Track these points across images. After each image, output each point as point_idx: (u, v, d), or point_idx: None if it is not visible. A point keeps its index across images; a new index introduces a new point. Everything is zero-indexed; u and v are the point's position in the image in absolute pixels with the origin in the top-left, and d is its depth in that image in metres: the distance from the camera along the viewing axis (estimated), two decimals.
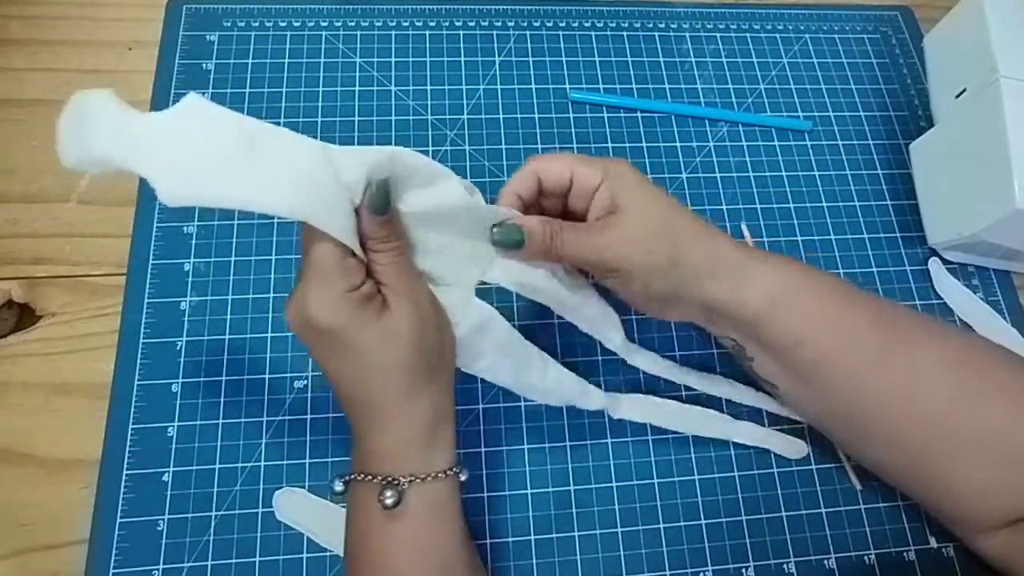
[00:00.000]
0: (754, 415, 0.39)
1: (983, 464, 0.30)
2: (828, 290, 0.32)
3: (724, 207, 0.44)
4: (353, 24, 0.48)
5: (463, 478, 0.30)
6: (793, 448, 0.38)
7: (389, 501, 0.27)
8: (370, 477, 0.28)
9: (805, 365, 0.32)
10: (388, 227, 0.28)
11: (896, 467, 0.33)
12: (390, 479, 0.28)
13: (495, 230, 0.30)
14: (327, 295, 0.26)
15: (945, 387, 0.30)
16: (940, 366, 0.31)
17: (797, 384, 0.33)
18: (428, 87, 0.46)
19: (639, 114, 0.47)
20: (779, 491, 0.38)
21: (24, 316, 0.38)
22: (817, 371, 0.32)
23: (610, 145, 0.46)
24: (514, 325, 0.32)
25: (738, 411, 0.39)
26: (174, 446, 0.36)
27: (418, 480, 0.28)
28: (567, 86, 0.47)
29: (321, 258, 0.26)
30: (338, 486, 0.29)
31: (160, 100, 0.44)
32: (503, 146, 0.45)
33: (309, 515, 0.35)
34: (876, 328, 0.32)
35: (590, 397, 0.35)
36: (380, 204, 0.27)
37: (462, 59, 0.48)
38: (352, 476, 0.29)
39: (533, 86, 0.47)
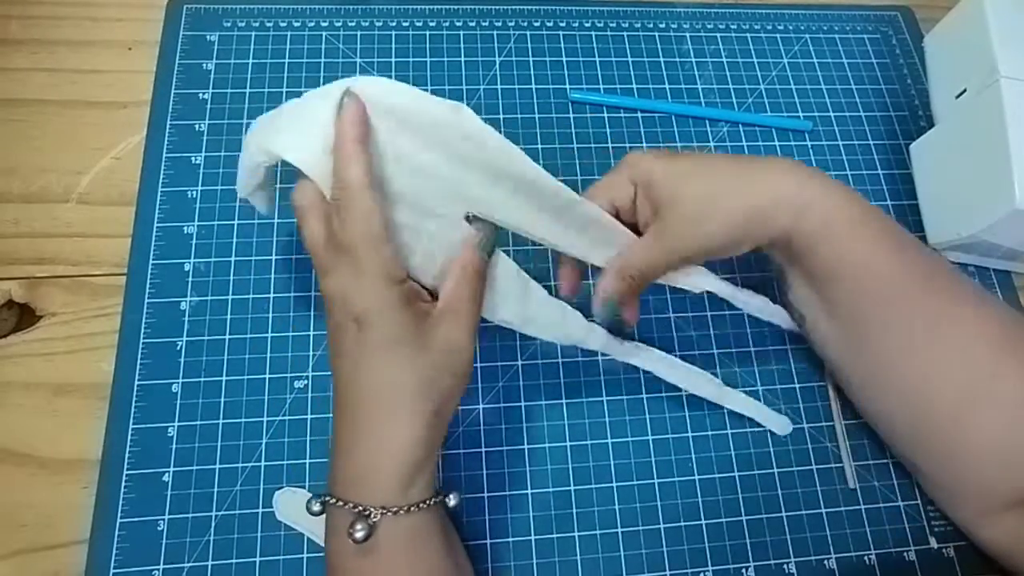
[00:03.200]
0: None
1: (997, 435, 0.30)
2: (881, 231, 0.32)
3: None
4: (353, 24, 0.48)
5: (452, 503, 0.29)
6: (779, 423, 0.38)
7: (359, 535, 0.26)
8: (343, 503, 0.27)
9: (842, 302, 0.32)
10: (482, 261, 0.30)
11: (904, 423, 0.33)
12: (361, 509, 0.26)
13: (599, 313, 0.34)
14: (375, 282, 0.27)
15: (977, 361, 0.31)
16: (978, 340, 0.31)
17: (828, 318, 0.34)
18: (428, 87, 0.46)
19: (639, 114, 0.47)
20: (779, 491, 0.38)
21: (24, 316, 0.38)
22: (853, 310, 0.32)
23: (610, 145, 0.46)
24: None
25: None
26: (174, 446, 0.36)
27: (390, 513, 0.26)
28: (567, 86, 0.47)
29: (364, 247, 0.27)
30: (315, 506, 0.28)
31: (160, 100, 0.44)
32: None
33: (309, 515, 0.35)
34: (920, 283, 0.32)
35: (594, 335, 0.35)
36: (487, 247, 0.31)
37: (462, 59, 0.48)
38: (327, 498, 0.27)
39: (533, 86, 0.47)
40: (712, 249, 0.32)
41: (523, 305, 0.33)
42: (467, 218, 0.31)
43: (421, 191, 0.30)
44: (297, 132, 0.29)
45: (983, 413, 0.30)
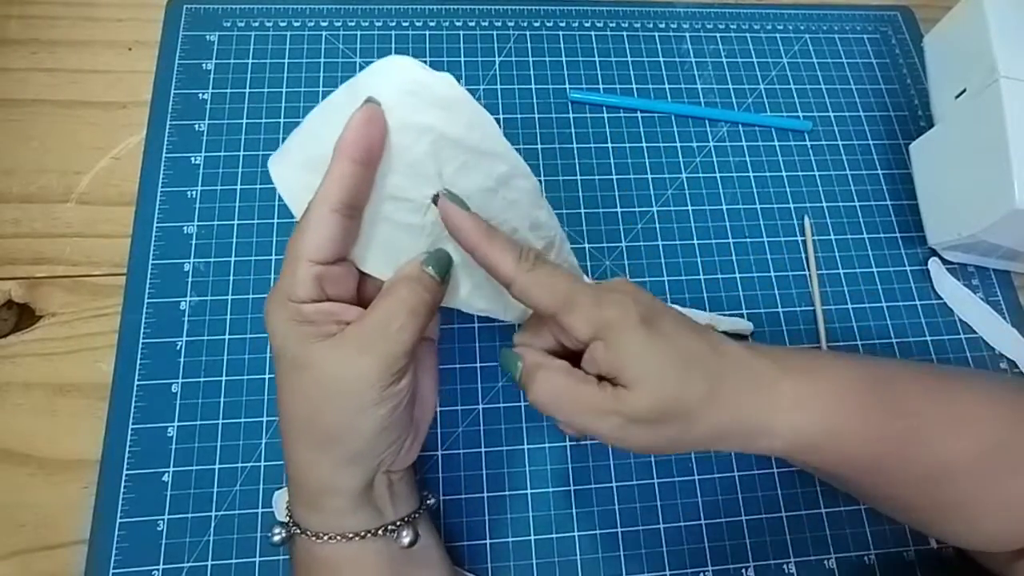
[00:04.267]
0: None
1: (1010, 523, 0.29)
2: (862, 423, 0.28)
3: (724, 207, 0.44)
4: (353, 24, 0.48)
5: (403, 542, 0.27)
6: (740, 326, 0.40)
7: (276, 539, 0.27)
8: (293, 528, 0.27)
9: (833, 477, 0.31)
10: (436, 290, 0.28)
11: (922, 526, 0.32)
12: (289, 521, 0.28)
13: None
14: (280, 303, 0.26)
15: (970, 469, 0.29)
16: (964, 449, 0.29)
17: (840, 485, 0.33)
18: None
19: (639, 114, 0.47)
20: (779, 491, 0.38)
21: (24, 316, 0.38)
22: (846, 481, 0.31)
23: (610, 145, 0.46)
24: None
25: None
26: (174, 446, 0.36)
27: (306, 535, 0.27)
28: (567, 86, 0.47)
29: (289, 264, 0.26)
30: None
31: (160, 100, 0.44)
32: None
33: None
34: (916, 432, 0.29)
35: None
36: (438, 269, 0.28)
37: (462, 59, 0.48)
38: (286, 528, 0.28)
39: (533, 86, 0.47)
40: (653, 447, 0.28)
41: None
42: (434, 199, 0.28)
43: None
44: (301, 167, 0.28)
45: (1007, 476, 0.29)
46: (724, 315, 0.41)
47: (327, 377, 0.25)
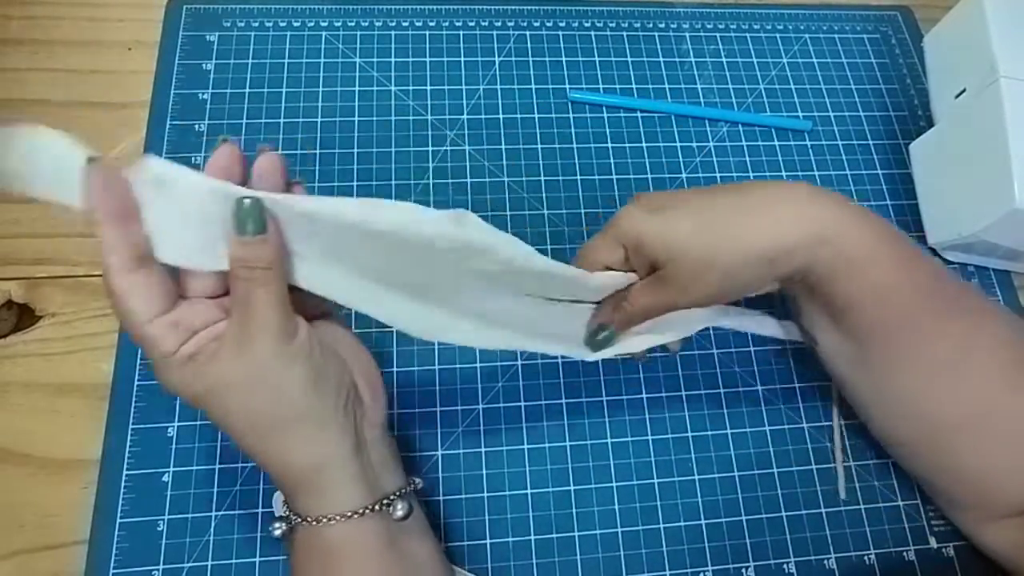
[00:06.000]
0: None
1: (1007, 446, 0.30)
2: (899, 255, 0.30)
3: None
4: (353, 24, 0.48)
5: (398, 514, 0.27)
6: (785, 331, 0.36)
7: (277, 533, 0.27)
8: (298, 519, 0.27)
9: (861, 329, 0.31)
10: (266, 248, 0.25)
11: (915, 440, 0.33)
12: (288, 513, 0.28)
13: (595, 339, 0.32)
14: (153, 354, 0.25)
15: (994, 381, 0.30)
16: (998, 363, 0.31)
17: (843, 342, 0.32)
18: (428, 87, 0.46)
19: (639, 114, 0.47)
20: (779, 491, 0.38)
21: (24, 316, 0.38)
22: (873, 337, 0.31)
23: (610, 145, 0.46)
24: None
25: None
26: (174, 446, 0.36)
27: (303, 523, 0.27)
28: (567, 86, 0.47)
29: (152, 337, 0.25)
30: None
31: (160, 100, 0.44)
32: (503, 146, 0.45)
33: None
34: (942, 308, 0.31)
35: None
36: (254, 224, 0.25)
37: (462, 59, 0.48)
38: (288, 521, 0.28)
39: (533, 86, 0.47)
40: (718, 298, 0.31)
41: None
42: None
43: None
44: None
45: (997, 426, 0.30)
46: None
47: (237, 377, 0.25)
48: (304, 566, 0.27)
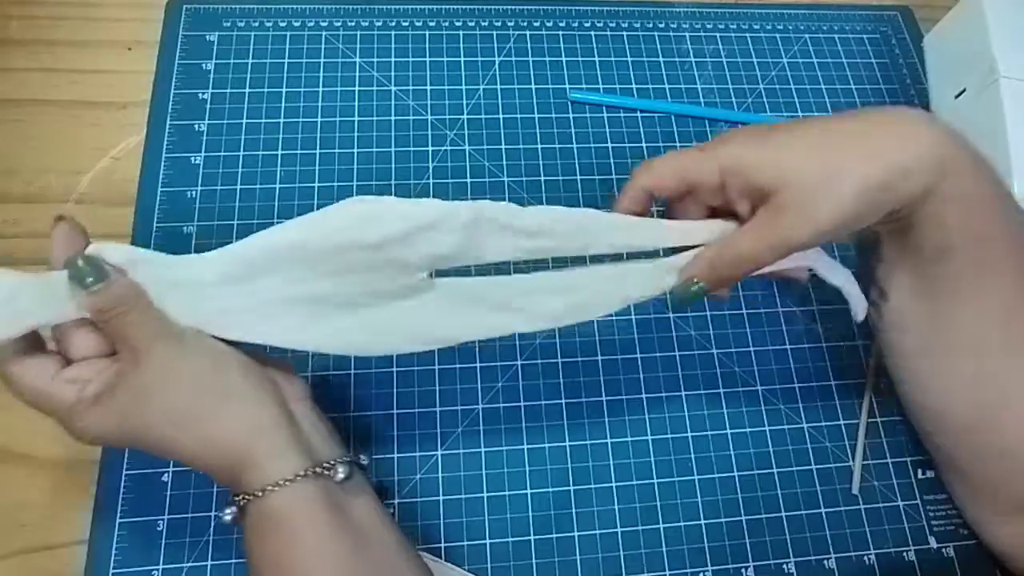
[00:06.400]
0: None
1: None
2: (1007, 202, 0.29)
3: None
4: (353, 24, 0.48)
5: (339, 476, 0.27)
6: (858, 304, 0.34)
7: (228, 517, 0.27)
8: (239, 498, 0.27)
9: (947, 277, 0.30)
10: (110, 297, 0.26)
11: (959, 415, 0.32)
12: (233, 496, 0.27)
13: (672, 294, 0.30)
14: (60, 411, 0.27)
15: None
16: None
17: (916, 298, 0.31)
18: (428, 87, 0.46)
19: (639, 114, 0.47)
20: (779, 491, 0.38)
21: None
22: (953, 287, 0.30)
23: (610, 145, 0.46)
24: None
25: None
26: None
27: (249, 498, 0.26)
28: (567, 86, 0.47)
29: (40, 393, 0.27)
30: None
31: (160, 100, 0.44)
32: (503, 146, 0.45)
33: None
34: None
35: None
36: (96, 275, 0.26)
37: (462, 59, 0.48)
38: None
39: (533, 86, 0.47)
40: (830, 233, 0.28)
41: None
42: None
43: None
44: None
45: None
46: None
47: (145, 384, 0.26)
48: (254, 543, 0.27)
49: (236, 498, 0.27)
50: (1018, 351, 0.30)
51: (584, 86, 0.48)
